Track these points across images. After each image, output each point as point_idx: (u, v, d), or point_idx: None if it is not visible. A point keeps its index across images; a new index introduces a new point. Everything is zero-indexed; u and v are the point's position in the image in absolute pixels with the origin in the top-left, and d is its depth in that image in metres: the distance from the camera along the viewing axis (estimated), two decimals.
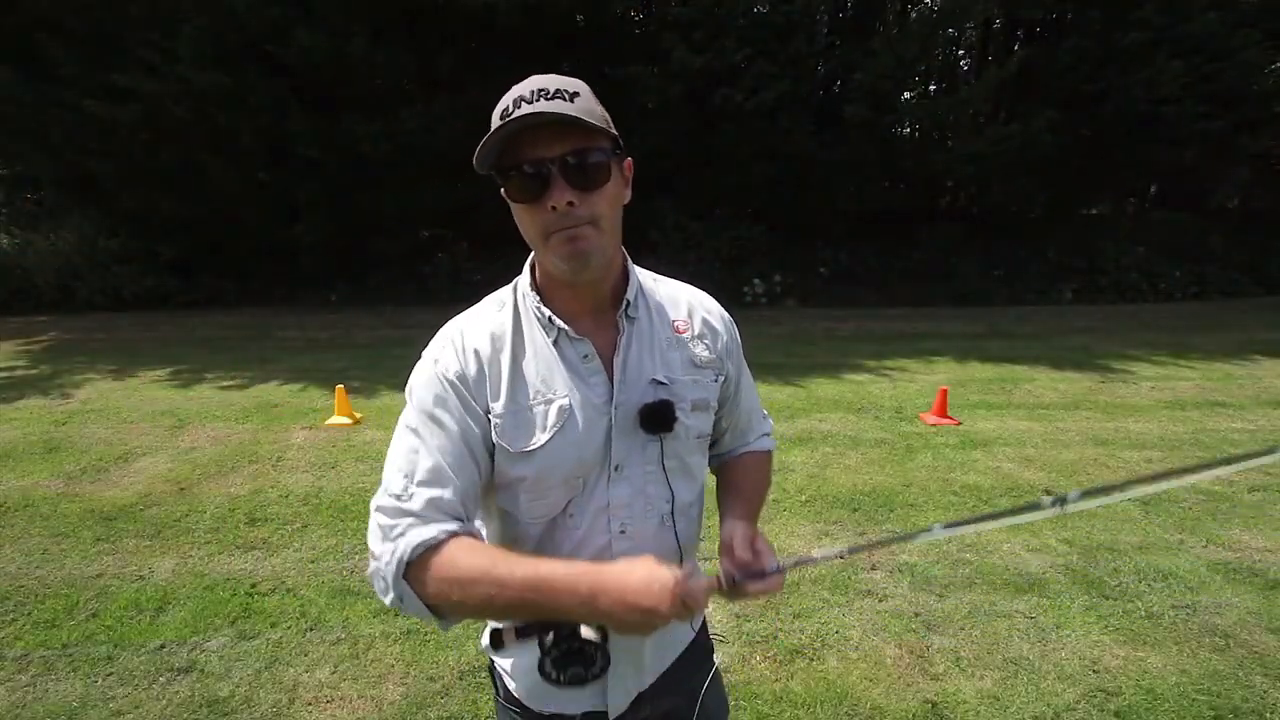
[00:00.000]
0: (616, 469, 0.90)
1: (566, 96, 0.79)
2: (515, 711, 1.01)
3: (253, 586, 2.82)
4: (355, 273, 11.81)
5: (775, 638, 2.50)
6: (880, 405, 5.54)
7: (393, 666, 2.34)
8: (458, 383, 0.85)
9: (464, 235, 11.88)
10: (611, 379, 0.89)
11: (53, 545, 3.18)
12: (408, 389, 0.89)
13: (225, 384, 6.32)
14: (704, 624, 1.12)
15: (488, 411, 0.86)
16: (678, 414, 0.90)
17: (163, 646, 2.43)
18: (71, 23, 9.45)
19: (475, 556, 0.78)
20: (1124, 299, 12.23)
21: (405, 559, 0.77)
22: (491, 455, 0.88)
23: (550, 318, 0.88)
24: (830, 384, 6.29)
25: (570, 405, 0.87)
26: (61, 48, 9.48)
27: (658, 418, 0.88)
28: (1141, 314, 10.83)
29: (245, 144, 10.04)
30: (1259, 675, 2.28)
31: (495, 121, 0.80)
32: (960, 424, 5.02)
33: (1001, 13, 13.11)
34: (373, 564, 0.81)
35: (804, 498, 3.73)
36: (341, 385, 5.24)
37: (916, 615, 2.63)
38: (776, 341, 8.42)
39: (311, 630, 2.54)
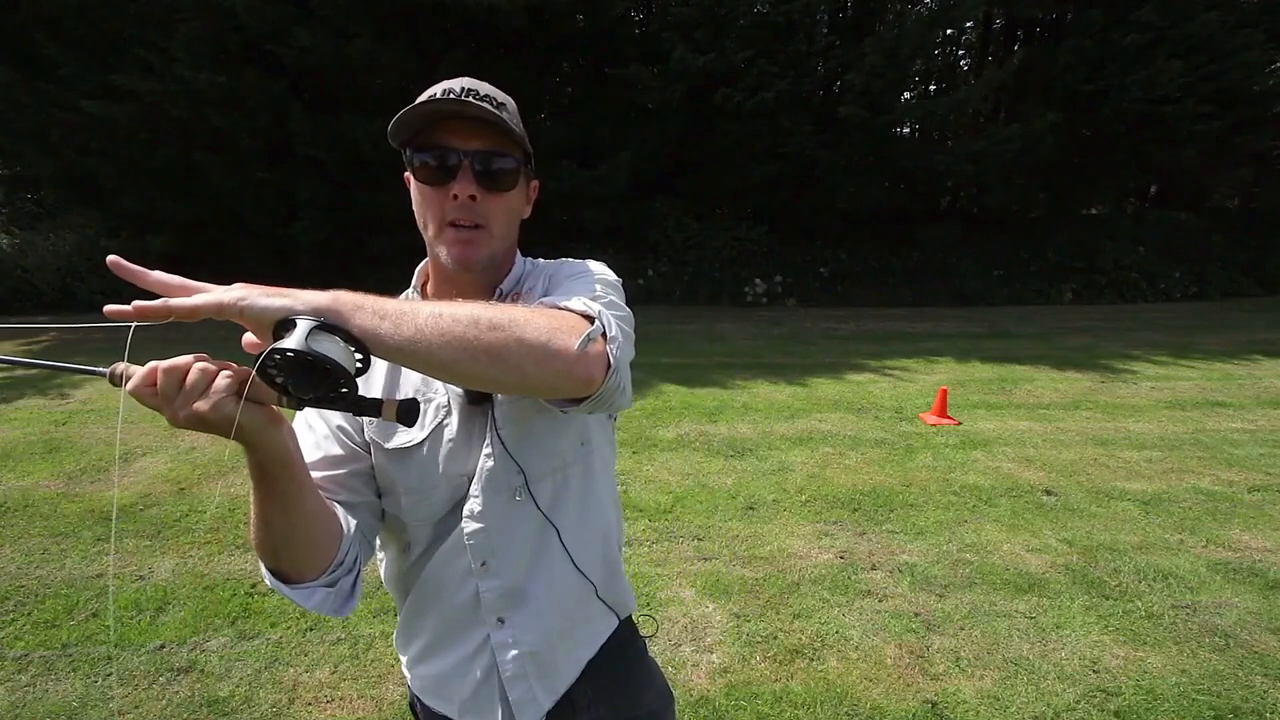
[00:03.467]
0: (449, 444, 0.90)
1: (494, 103, 0.83)
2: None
3: (253, 586, 2.82)
4: (355, 272, 11.80)
5: (775, 638, 2.50)
6: (880, 405, 5.54)
7: (393, 666, 2.34)
8: None
9: None
10: None
11: (53, 545, 3.18)
12: None
13: None
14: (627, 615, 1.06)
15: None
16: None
17: (163, 646, 2.43)
18: (71, 23, 9.45)
19: None
20: (1124, 299, 12.24)
21: None
22: (368, 449, 0.90)
23: None
24: (830, 384, 6.29)
25: (448, 402, 0.89)
26: (61, 48, 9.48)
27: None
28: (1141, 314, 10.82)
29: (244, 143, 10.03)
30: (1259, 675, 2.28)
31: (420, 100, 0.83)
32: (960, 424, 5.02)
33: (1001, 13, 13.12)
34: None
35: (804, 498, 3.73)
36: None
37: (916, 615, 2.63)
38: (776, 341, 8.42)
39: (311, 630, 2.54)
